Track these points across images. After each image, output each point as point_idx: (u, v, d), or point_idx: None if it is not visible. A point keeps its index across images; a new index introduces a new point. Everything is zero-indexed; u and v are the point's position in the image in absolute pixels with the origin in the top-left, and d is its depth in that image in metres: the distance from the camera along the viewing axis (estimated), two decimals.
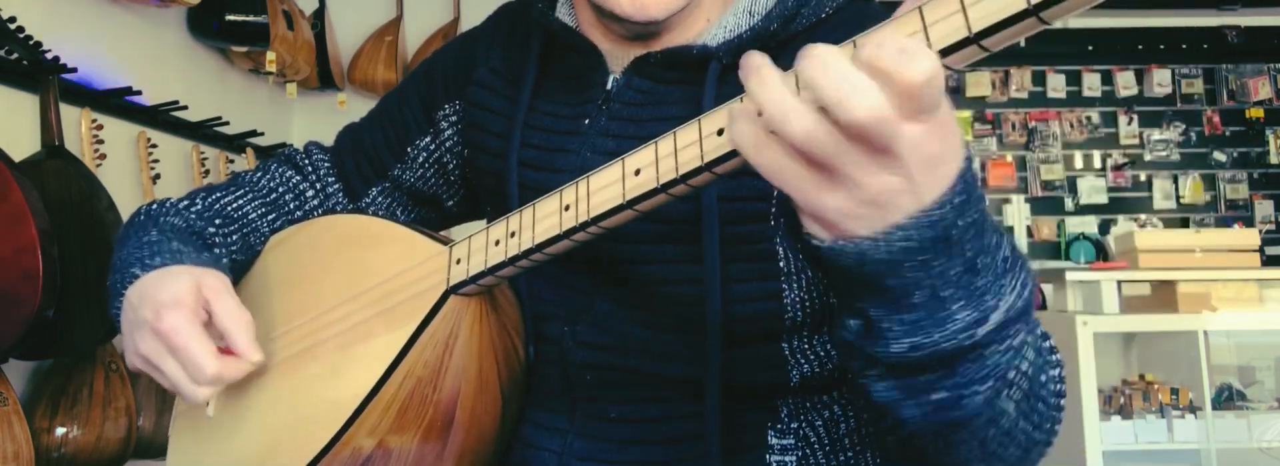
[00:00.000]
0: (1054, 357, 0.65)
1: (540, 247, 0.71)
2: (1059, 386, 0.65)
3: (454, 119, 1.00)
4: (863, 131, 0.47)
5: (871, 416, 0.67)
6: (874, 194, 0.50)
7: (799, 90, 0.49)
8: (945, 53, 0.49)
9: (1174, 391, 3.02)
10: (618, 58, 0.89)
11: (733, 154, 0.58)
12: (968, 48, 0.49)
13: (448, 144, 1.00)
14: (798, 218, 0.55)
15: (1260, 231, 3.58)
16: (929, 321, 0.55)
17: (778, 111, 0.49)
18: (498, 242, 0.74)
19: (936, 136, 0.49)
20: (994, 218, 0.78)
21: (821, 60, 0.48)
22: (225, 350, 0.82)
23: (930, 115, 0.48)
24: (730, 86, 0.82)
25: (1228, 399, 3.12)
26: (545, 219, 0.70)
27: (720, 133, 0.58)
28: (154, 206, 0.95)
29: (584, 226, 0.67)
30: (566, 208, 0.68)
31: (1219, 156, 4.05)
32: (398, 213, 1.05)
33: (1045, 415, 0.64)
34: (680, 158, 0.61)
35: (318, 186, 1.05)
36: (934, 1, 0.49)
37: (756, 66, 0.50)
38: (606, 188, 0.66)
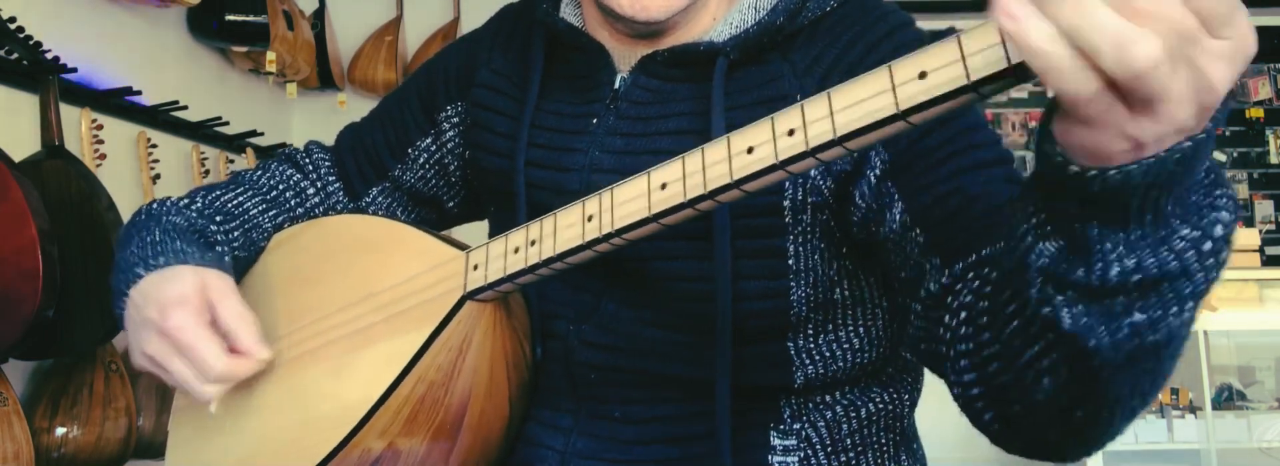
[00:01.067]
0: None
1: (562, 257, 0.71)
2: None
3: (455, 120, 0.99)
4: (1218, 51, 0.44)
5: (1021, 362, 0.61)
6: (1188, 117, 0.45)
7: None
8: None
9: (1174, 391, 3.03)
10: (624, 56, 0.89)
11: (764, 171, 0.58)
12: (1005, 80, 0.48)
13: (449, 145, 1.00)
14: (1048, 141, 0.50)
15: (1260, 231, 3.60)
16: (1152, 239, 0.51)
17: (1117, 37, 0.42)
18: (517, 250, 0.74)
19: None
20: None
21: None
22: (231, 349, 0.82)
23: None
24: (738, 82, 0.83)
25: (1228, 399, 3.13)
26: (567, 228, 0.70)
27: (749, 151, 0.58)
28: (155, 206, 0.95)
29: (607, 237, 0.67)
30: (589, 218, 0.68)
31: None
32: (398, 213, 1.05)
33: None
34: (708, 174, 0.61)
35: (318, 184, 1.05)
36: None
37: None
38: (632, 200, 0.66)
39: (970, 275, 0.68)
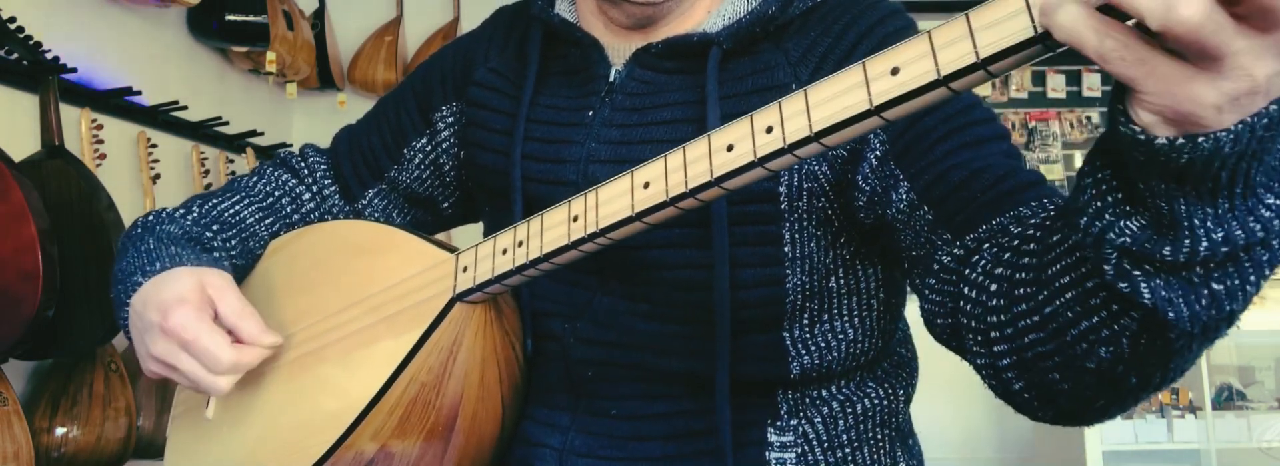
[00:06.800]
0: None
1: (548, 257, 0.71)
2: None
3: (451, 120, 1.00)
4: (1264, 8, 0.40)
5: (1093, 338, 0.59)
6: (1261, 80, 0.43)
7: None
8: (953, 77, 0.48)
9: (1174, 391, 3.03)
10: (618, 50, 0.90)
11: (744, 169, 0.58)
12: (975, 73, 0.48)
13: (444, 145, 1.01)
14: (1123, 113, 0.48)
15: None
16: (1241, 210, 0.49)
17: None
18: (505, 251, 0.74)
19: None
20: None
21: None
22: (236, 342, 0.82)
23: None
24: (732, 72, 0.83)
25: (1228, 399, 3.13)
26: (553, 228, 0.71)
27: (729, 148, 0.58)
28: (150, 217, 0.96)
29: (592, 237, 0.68)
30: (575, 218, 0.69)
31: None
32: (394, 215, 1.05)
33: None
34: (689, 172, 0.61)
35: (314, 189, 1.05)
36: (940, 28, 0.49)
37: None
38: (615, 199, 0.66)
39: (987, 246, 0.68)
